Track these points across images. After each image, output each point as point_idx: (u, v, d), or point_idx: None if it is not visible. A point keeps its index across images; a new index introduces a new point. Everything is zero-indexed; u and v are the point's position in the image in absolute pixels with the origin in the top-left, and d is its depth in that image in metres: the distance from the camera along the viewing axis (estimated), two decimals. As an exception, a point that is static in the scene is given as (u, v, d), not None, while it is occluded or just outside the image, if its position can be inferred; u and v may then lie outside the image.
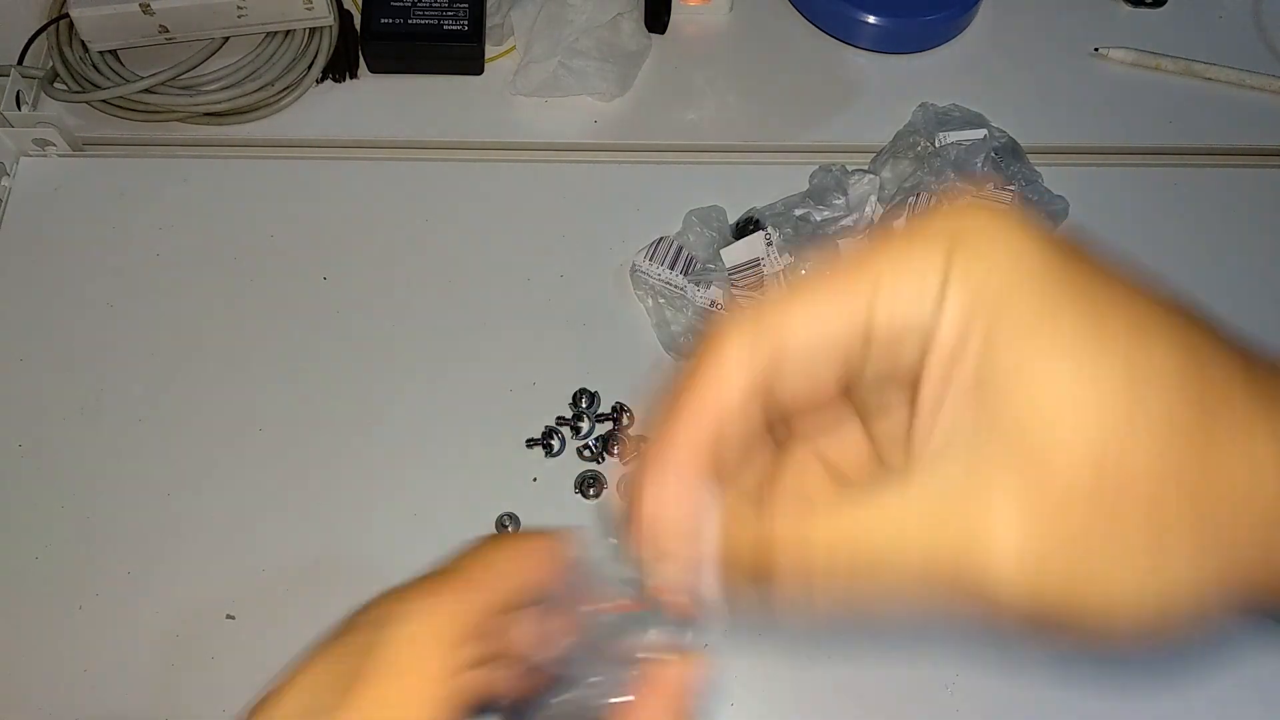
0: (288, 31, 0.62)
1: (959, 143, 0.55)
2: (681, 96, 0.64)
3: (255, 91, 0.61)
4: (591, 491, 0.52)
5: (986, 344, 0.22)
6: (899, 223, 0.56)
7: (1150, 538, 0.22)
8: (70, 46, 0.61)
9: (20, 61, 0.61)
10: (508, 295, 0.57)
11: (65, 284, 0.57)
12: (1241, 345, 0.23)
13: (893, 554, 0.23)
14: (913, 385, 0.23)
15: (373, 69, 0.64)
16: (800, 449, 0.29)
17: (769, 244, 0.54)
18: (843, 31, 0.65)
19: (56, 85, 0.61)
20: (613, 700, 0.29)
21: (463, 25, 0.62)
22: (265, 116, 0.62)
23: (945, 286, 0.22)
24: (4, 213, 0.59)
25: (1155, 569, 0.22)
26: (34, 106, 0.62)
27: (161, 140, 0.62)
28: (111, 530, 0.51)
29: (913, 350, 0.23)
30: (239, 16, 0.60)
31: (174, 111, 0.61)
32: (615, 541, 0.29)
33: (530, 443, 0.53)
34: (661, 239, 0.56)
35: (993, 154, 0.55)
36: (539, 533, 0.32)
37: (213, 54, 0.62)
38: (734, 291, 0.54)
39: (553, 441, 0.53)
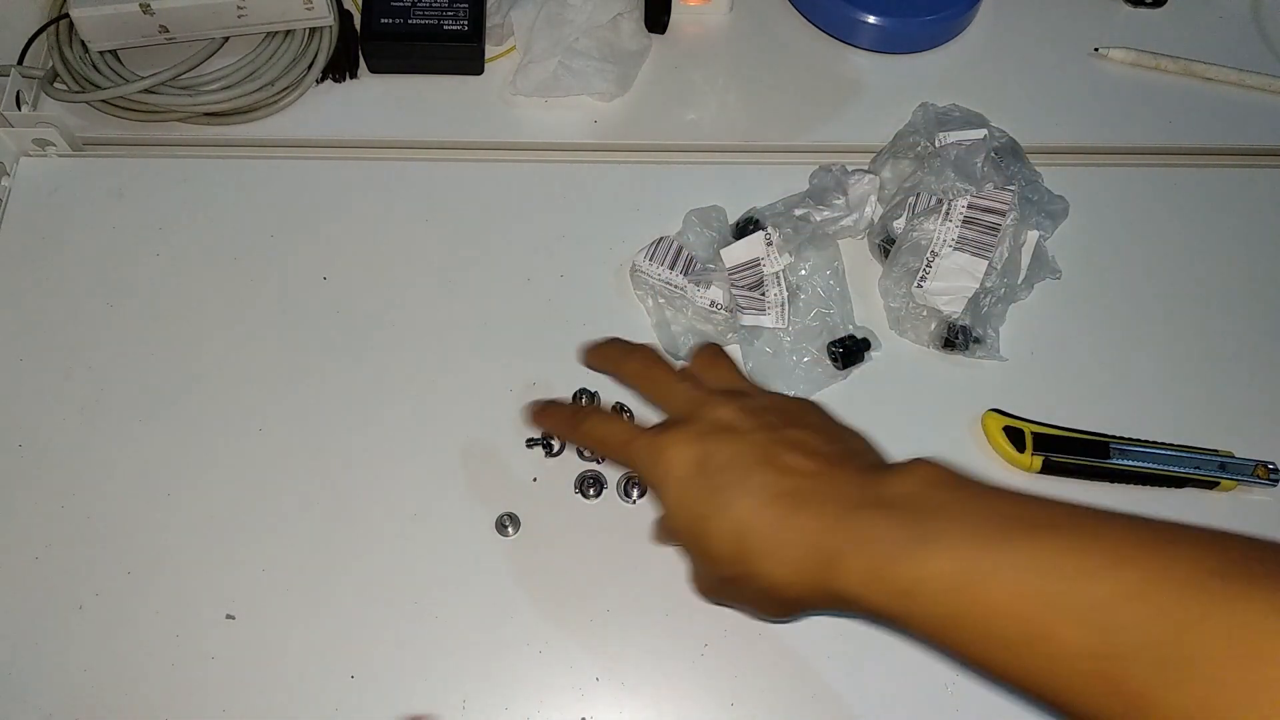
0: (288, 31, 0.62)
1: (959, 143, 0.55)
2: (681, 96, 0.64)
3: (255, 91, 0.61)
4: (591, 491, 0.52)
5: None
6: (898, 223, 0.56)
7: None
8: (70, 46, 0.61)
9: (20, 61, 0.61)
10: (508, 295, 0.57)
11: (65, 284, 0.57)
12: None
13: None
14: None
15: (373, 69, 0.64)
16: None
17: (769, 244, 0.54)
18: (843, 32, 0.65)
19: (56, 85, 0.61)
20: None
21: (463, 25, 0.62)
22: (265, 116, 0.62)
23: None
24: (4, 213, 0.59)
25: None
26: (34, 106, 0.62)
27: (161, 140, 0.62)
28: (111, 530, 0.51)
29: None
30: (239, 16, 0.60)
31: (174, 111, 0.61)
32: None
33: (530, 443, 0.53)
34: (661, 239, 0.56)
35: (993, 154, 0.55)
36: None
37: (213, 54, 0.62)
38: (734, 292, 0.54)
39: (553, 441, 0.53)
